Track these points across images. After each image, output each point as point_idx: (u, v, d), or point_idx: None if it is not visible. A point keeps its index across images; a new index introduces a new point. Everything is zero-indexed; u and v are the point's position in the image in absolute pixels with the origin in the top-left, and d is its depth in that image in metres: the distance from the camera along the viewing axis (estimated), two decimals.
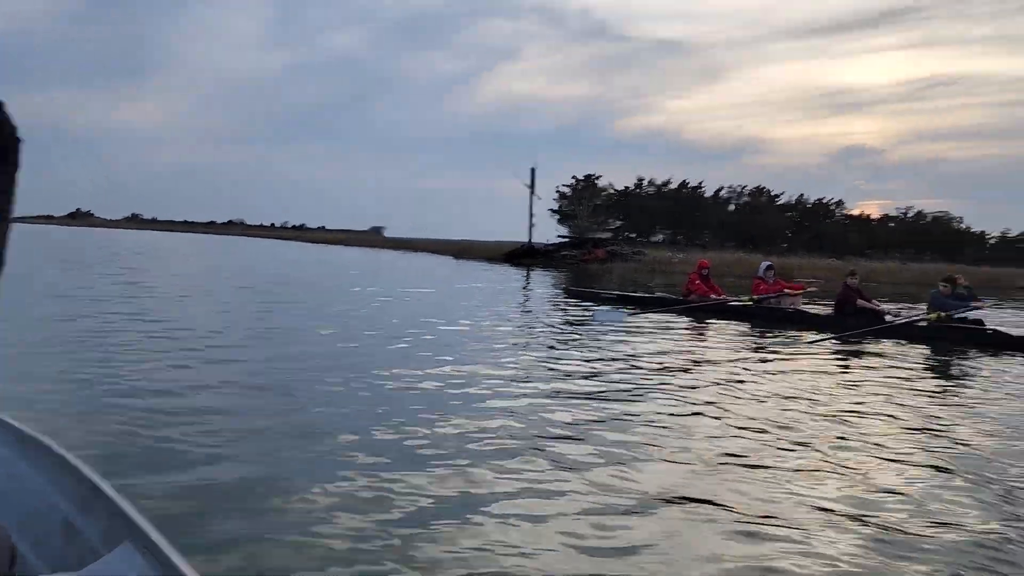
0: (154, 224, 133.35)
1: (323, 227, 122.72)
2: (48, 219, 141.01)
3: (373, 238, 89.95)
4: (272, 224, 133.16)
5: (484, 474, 3.82)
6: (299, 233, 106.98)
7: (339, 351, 7.62)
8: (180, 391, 5.36)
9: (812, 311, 12.67)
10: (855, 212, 76.78)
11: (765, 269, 13.19)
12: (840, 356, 8.88)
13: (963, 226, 74.30)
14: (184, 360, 6.53)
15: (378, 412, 4.97)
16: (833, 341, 9.85)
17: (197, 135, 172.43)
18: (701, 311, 12.59)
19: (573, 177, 67.56)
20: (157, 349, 7.05)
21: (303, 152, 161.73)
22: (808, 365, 7.95)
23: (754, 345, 9.59)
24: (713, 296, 13.21)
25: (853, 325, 10.77)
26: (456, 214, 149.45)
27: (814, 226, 70.72)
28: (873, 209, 80.00)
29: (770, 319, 12.03)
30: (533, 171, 46.26)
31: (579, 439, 4.55)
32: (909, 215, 75.29)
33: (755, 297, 12.62)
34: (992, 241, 73.47)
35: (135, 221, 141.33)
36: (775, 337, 10.31)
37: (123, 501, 1.46)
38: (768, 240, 63.01)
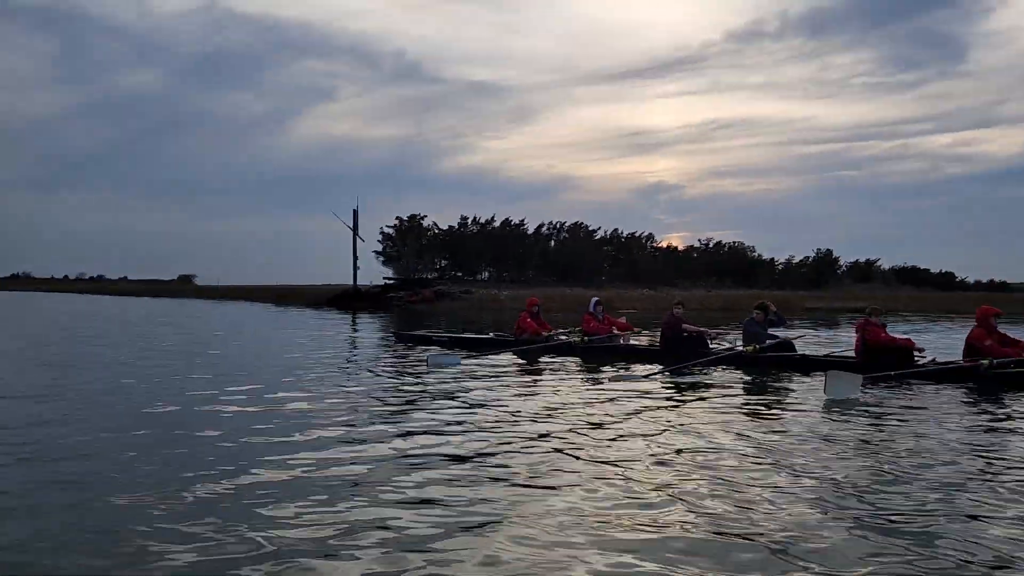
0: None
1: (125, 278, 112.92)
2: None
3: (183, 287, 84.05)
4: (65, 276, 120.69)
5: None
6: (98, 285, 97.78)
7: (140, 416, 6.63)
8: None
9: (641, 345, 12.91)
10: (663, 244, 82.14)
11: (595, 305, 13.26)
12: (673, 386, 9.03)
13: (755, 254, 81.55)
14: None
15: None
16: (665, 373, 10.06)
17: None
18: (535, 351, 12.53)
19: (397, 218, 67.14)
20: None
21: (95, 198, 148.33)
22: (643, 398, 8.00)
23: (589, 381, 9.57)
24: (544, 333, 13.21)
25: (685, 354, 11.13)
26: (274, 259, 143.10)
27: (628, 259, 74.67)
28: (678, 241, 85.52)
29: (603, 355, 12.13)
30: (355, 212, 45.37)
31: (425, 501, 4.11)
32: (711, 245, 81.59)
33: (587, 337, 12.67)
34: (780, 267, 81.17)
35: None
36: (608, 372, 10.38)
37: None
38: (588, 273, 65.65)
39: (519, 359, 11.96)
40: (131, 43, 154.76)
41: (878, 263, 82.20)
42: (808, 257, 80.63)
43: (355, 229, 45.09)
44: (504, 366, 11.05)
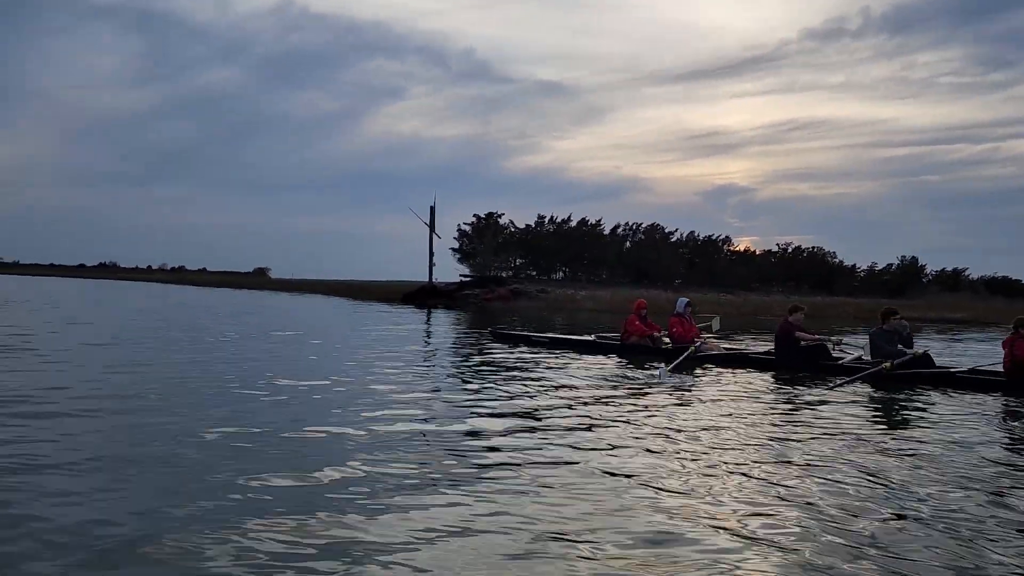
0: (17, 268, 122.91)
1: (204, 269, 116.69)
2: None
3: (259, 280, 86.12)
4: (148, 267, 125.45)
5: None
6: (179, 275, 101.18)
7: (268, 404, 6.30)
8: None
9: (755, 353, 11.93)
10: (739, 247, 79.98)
11: (684, 306, 12.36)
12: (798, 403, 8.22)
13: (836, 260, 78.60)
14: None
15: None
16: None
17: (60, 174, 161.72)
18: (671, 353, 11.58)
19: (474, 215, 67.09)
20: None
21: (176, 192, 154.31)
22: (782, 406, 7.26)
23: (768, 392, 8.85)
24: (655, 335, 12.56)
25: (801, 366, 10.34)
26: (343, 254, 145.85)
27: (704, 262, 72.94)
28: (748, 245, 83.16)
29: (713, 362, 11.31)
30: (433, 208, 45.35)
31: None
32: (789, 250, 79.01)
33: (696, 342, 11.73)
34: (861, 274, 78.03)
35: None
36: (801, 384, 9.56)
37: None
38: (663, 276, 64.34)
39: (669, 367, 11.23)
40: (212, 42, 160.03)
41: (966, 272, 78.14)
42: (891, 265, 77.36)
43: (432, 226, 45.10)
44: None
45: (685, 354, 11.14)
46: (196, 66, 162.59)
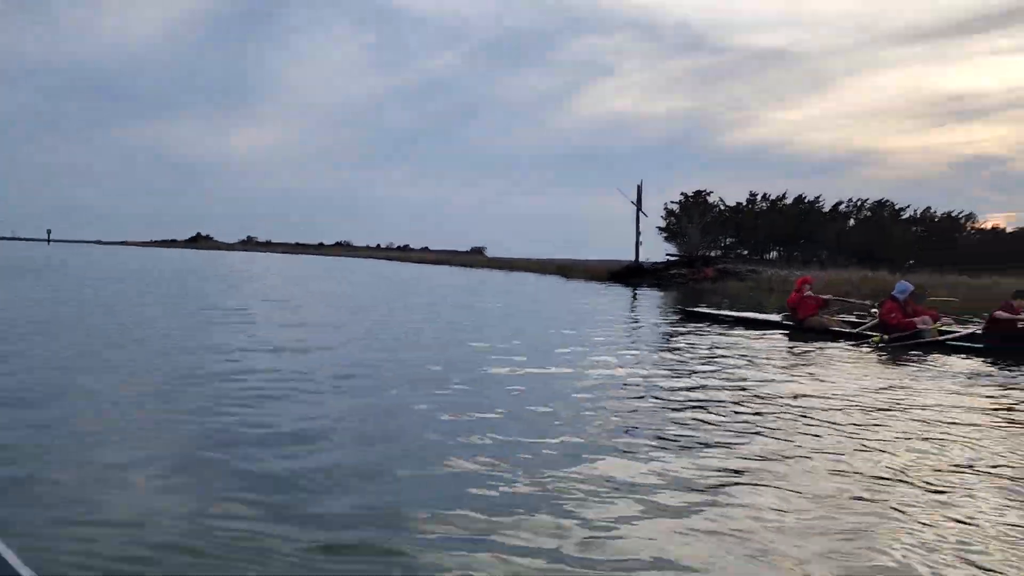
0: (268, 246, 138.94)
1: (426, 248, 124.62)
2: (172, 243, 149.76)
3: (475, 258, 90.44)
4: (377, 245, 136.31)
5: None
6: (403, 254, 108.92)
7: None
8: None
9: (959, 334, 10.80)
10: (986, 225, 71.27)
11: (904, 292, 11.30)
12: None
13: None
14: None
15: None
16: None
17: (302, 160, 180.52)
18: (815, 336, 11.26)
19: (682, 193, 65.68)
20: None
21: (402, 174, 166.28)
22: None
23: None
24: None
25: (1016, 352, 9.44)
26: (557, 232, 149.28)
27: (942, 241, 65.99)
28: (1003, 222, 73.53)
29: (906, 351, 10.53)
30: (639, 187, 45.14)
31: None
32: None
33: (885, 335, 10.89)
34: None
35: (251, 244, 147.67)
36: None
37: None
38: (892, 257, 59.16)
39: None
40: (432, 29, 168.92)
41: None
42: None
43: (639, 205, 44.96)
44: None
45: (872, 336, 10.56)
46: (420, 53, 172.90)
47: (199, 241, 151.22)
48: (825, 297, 12.94)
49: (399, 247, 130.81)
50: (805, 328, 12.25)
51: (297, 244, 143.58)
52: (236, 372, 7.07)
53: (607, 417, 5.67)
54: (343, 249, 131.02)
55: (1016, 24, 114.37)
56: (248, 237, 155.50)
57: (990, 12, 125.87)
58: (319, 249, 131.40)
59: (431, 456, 4.49)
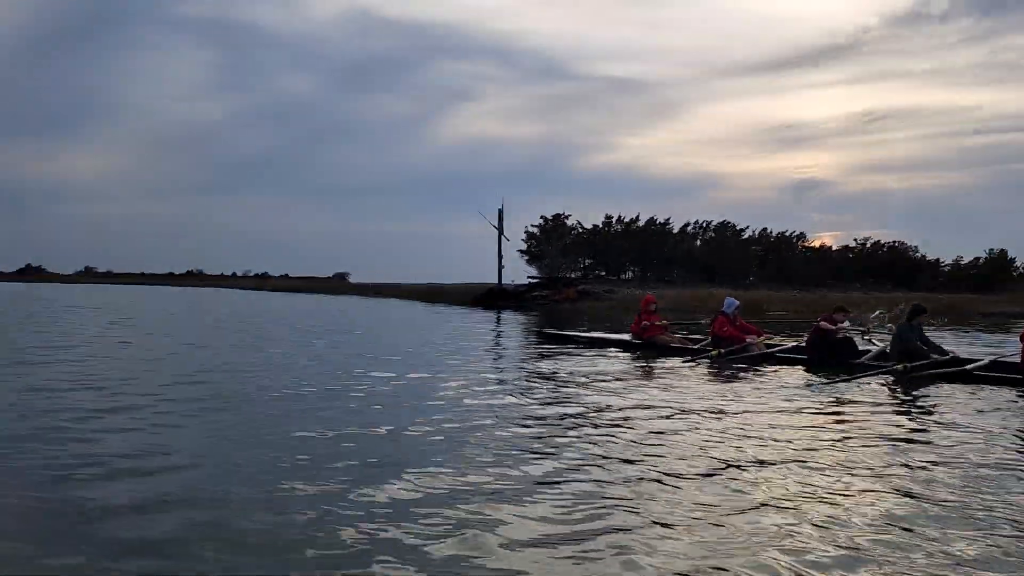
0: (109, 277, 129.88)
1: (286, 275, 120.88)
2: None
3: (339, 284, 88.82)
4: (233, 273, 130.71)
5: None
6: (262, 282, 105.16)
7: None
8: None
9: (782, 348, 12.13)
10: (815, 244, 78.13)
11: (731, 307, 12.45)
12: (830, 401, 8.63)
13: (919, 255, 75.94)
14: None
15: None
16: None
17: (148, 185, 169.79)
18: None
19: (542, 217, 67.88)
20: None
21: (257, 199, 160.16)
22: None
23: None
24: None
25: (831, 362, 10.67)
26: (421, 256, 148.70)
27: (777, 259, 71.72)
28: (830, 240, 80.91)
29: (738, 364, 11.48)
30: (500, 212, 46.18)
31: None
32: (867, 245, 76.83)
33: (721, 350, 11.92)
34: (946, 269, 75.08)
35: (89, 275, 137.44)
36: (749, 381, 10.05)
37: None
38: (732, 274, 63.63)
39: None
40: (286, 50, 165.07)
41: None
42: (979, 258, 74.15)
43: (500, 228, 45.98)
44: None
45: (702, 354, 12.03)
46: (272, 74, 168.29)
47: (28, 273, 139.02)
48: (664, 323, 13.72)
49: (257, 275, 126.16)
50: (651, 346, 13.15)
51: (143, 274, 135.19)
52: None
53: (452, 441, 5.89)
54: (195, 278, 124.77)
55: (832, 60, 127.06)
56: (87, 268, 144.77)
57: (809, 49, 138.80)
58: (168, 279, 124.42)
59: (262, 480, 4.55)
